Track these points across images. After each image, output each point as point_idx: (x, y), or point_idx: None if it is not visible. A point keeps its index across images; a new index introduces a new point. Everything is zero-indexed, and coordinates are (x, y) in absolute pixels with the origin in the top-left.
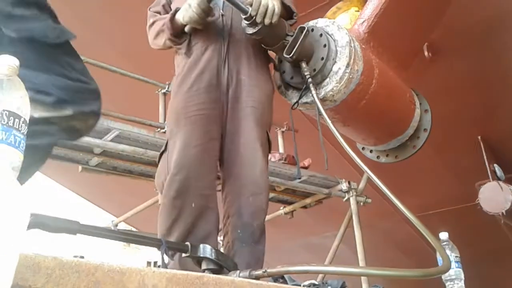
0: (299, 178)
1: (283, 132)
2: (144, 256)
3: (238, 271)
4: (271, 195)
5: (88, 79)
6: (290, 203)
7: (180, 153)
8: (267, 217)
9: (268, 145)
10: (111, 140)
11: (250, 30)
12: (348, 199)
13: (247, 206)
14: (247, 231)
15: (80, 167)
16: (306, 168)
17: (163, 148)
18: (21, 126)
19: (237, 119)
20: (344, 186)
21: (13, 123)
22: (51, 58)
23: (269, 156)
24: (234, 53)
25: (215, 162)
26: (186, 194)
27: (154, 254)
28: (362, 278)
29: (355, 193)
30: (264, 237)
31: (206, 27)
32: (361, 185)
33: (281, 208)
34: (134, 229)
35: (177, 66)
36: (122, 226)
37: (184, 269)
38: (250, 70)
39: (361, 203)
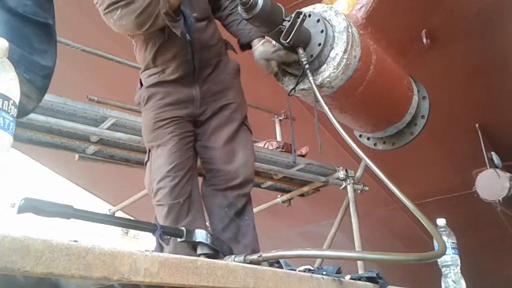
0: (294, 163)
1: (280, 120)
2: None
3: (233, 256)
4: (269, 183)
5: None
6: (287, 191)
7: (162, 163)
8: (264, 206)
9: (250, 133)
10: (108, 128)
11: (247, 16)
12: (346, 187)
13: (232, 191)
14: (233, 209)
15: (76, 156)
16: (303, 156)
17: (146, 158)
18: (11, 108)
19: (216, 117)
20: (341, 174)
21: (2, 105)
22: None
23: (266, 144)
24: (202, 69)
25: (195, 161)
26: (172, 196)
27: (152, 243)
28: (358, 263)
29: (352, 181)
30: (250, 216)
31: (172, 39)
32: (359, 173)
33: (279, 196)
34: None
35: (145, 82)
36: (119, 215)
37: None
38: (218, 74)
39: (358, 191)
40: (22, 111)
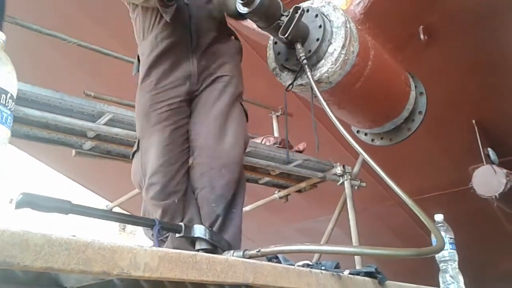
0: (289, 162)
1: (277, 116)
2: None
3: (232, 251)
4: (266, 179)
5: None
6: (284, 187)
7: (153, 156)
8: (262, 201)
9: (244, 114)
10: (105, 124)
11: (245, 10)
12: (343, 183)
13: (219, 178)
14: (221, 202)
15: (73, 151)
16: (301, 152)
17: (135, 148)
18: (8, 101)
19: (209, 93)
20: (338, 170)
21: (0, 99)
22: None
23: (264, 140)
24: (199, 37)
25: (187, 152)
26: (165, 194)
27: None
28: (356, 259)
29: (349, 177)
30: (238, 207)
31: (172, 18)
32: (356, 169)
33: (276, 192)
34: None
35: (142, 54)
36: (117, 210)
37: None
38: (218, 49)
39: (356, 187)
40: None
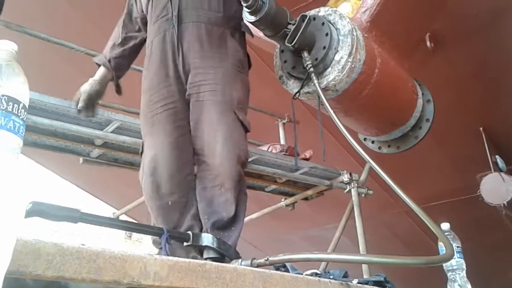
0: (297, 170)
1: (284, 123)
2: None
3: (240, 260)
4: (272, 187)
5: None
6: (291, 195)
7: (151, 153)
8: (268, 209)
9: (240, 124)
10: (112, 132)
11: (252, 19)
12: (350, 190)
13: (216, 196)
14: (215, 219)
15: (81, 159)
16: (307, 159)
17: (140, 149)
18: (21, 111)
19: (198, 106)
20: (345, 177)
21: (13, 109)
22: None
23: (270, 147)
24: (186, 38)
25: (189, 156)
26: (160, 194)
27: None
28: (363, 267)
29: (356, 184)
30: (236, 225)
31: (156, 18)
32: (363, 176)
33: (282, 200)
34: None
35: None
36: (123, 218)
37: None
38: (204, 52)
39: (363, 195)
40: None
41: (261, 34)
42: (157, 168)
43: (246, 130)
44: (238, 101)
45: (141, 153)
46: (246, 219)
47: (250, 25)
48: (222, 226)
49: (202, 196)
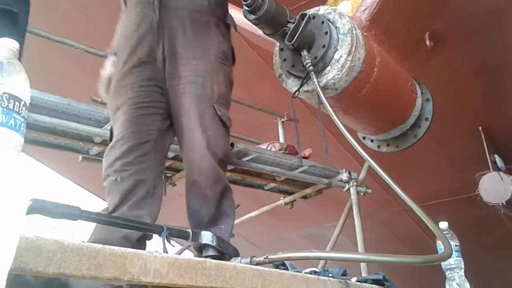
0: (301, 167)
1: (283, 122)
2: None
3: (239, 258)
4: (271, 185)
5: None
6: (290, 193)
7: (117, 132)
8: (267, 208)
9: (218, 120)
10: None
11: (251, 17)
12: (349, 189)
13: (193, 195)
14: (196, 219)
15: (80, 157)
16: (306, 158)
17: (109, 135)
18: (22, 109)
19: (177, 98)
20: (344, 176)
21: (14, 106)
22: None
23: (269, 146)
24: (168, 24)
25: (148, 136)
26: (111, 170)
27: (155, 245)
28: (361, 266)
29: (355, 183)
30: (224, 222)
31: (136, 3)
32: (362, 175)
33: (281, 198)
34: None
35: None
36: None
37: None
38: (187, 40)
39: (362, 193)
40: None
41: (260, 32)
42: (114, 144)
43: (225, 125)
44: (219, 95)
45: (111, 139)
46: (245, 217)
47: (250, 23)
48: (206, 227)
49: (187, 194)
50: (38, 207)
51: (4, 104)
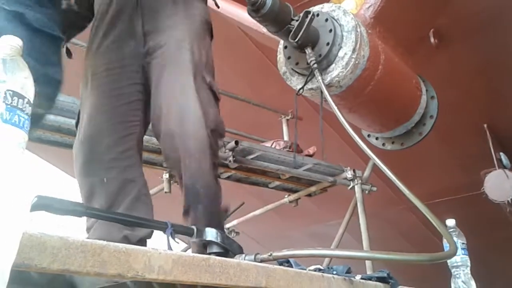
0: (300, 166)
1: (287, 120)
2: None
3: (243, 255)
4: (276, 183)
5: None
6: (294, 191)
7: (86, 122)
8: (272, 206)
9: (207, 88)
10: None
11: (255, 15)
12: (353, 187)
13: (186, 168)
14: (190, 194)
15: None
16: (311, 156)
17: (76, 119)
18: (25, 106)
19: (160, 67)
20: (349, 174)
21: (17, 103)
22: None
23: (274, 144)
24: None
25: (132, 128)
26: (94, 168)
27: (159, 241)
28: (366, 264)
29: (360, 181)
30: (214, 195)
31: None
32: (366, 173)
33: (286, 196)
34: None
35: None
36: None
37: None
38: (169, 10)
39: (366, 191)
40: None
41: (264, 30)
42: (94, 136)
43: (215, 96)
44: (207, 61)
45: (77, 123)
46: (249, 215)
47: (254, 21)
48: (202, 201)
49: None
50: (43, 204)
51: (7, 101)
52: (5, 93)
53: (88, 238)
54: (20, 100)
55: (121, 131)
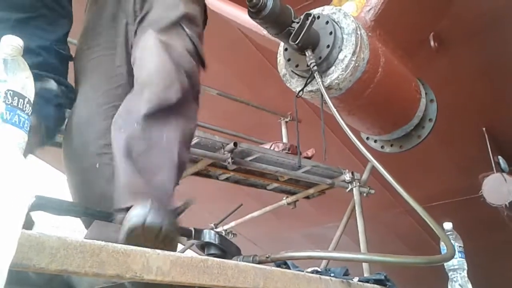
0: (299, 167)
1: (286, 122)
2: None
3: (241, 256)
4: (274, 185)
5: None
6: (293, 193)
7: (75, 111)
8: (270, 208)
9: (186, 37)
10: None
11: (255, 17)
12: (351, 189)
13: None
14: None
15: None
16: (309, 158)
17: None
18: (26, 106)
19: (143, 30)
20: (347, 176)
21: (18, 103)
22: None
23: (272, 146)
24: None
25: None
26: (86, 153)
27: None
28: (364, 266)
29: (358, 183)
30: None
31: None
32: (365, 175)
33: (284, 198)
34: None
35: None
36: None
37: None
38: None
39: (364, 194)
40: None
41: (265, 32)
42: (87, 121)
43: (194, 45)
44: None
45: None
46: (247, 217)
47: (254, 23)
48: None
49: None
50: (41, 204)
51: (8, 101)
52: (6, 93)
53: (84, 238)
54: (21, 100)
55: (101, 123)
